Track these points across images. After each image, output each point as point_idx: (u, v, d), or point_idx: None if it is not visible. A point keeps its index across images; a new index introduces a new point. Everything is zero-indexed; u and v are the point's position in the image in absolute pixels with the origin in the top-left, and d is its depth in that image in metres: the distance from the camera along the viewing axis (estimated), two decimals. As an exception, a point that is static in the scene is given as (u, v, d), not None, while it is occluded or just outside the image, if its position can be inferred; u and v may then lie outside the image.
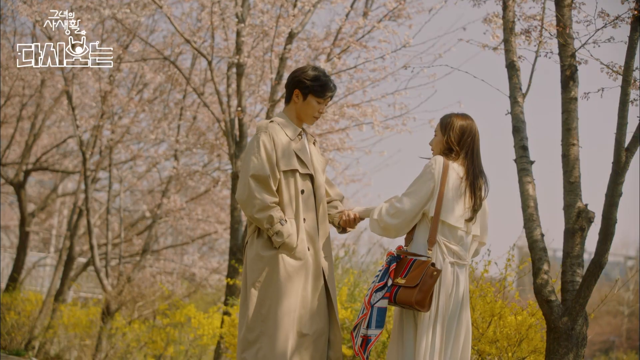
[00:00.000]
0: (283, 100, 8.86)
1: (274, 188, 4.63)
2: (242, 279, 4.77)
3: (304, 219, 4.69)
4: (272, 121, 4.79)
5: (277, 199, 4.61)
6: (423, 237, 4.54)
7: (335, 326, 4.74)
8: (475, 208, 4.62)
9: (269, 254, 4.61)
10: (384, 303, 4.40)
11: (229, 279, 9.06)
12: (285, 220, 4.60)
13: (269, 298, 4.58)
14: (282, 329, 4.51)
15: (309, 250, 4.68)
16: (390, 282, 4.42)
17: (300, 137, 4.80)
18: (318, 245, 4.73)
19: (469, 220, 4.62)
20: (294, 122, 4.82)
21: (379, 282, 4.45)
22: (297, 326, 4.58)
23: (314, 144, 4.95)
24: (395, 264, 4.48)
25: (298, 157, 4.71)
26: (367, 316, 4.42)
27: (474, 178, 4.62)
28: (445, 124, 4.67)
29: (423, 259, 4.45)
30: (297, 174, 4.70)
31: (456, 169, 4.58)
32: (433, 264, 4.43)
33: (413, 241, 4.57)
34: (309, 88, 4.75)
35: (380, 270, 4.51)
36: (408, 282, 4.39)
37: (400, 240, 4.82)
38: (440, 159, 4.56)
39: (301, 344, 4.57)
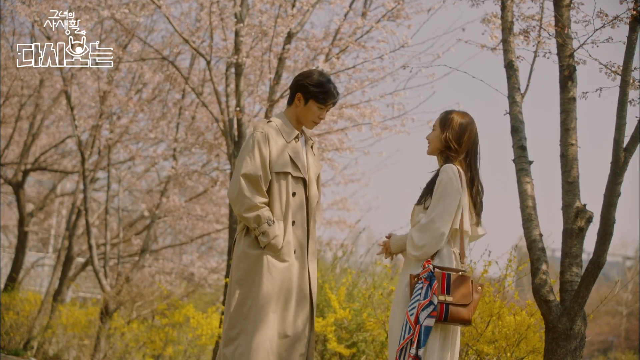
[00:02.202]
0: (281, 101, 8.90)
1: (265, 188, 4.64)
2: (229, 275, 4.81)
3: (293, 222, 4.71)
4: (270, 121, 4.80)
5: (266, 200, 4.64)
6: (447, 248, 4.45)
7: (312, 331, 4.77)
8: (478, 212, 4.61)
9: (255, 253, 4.64)
10: (431, 322, 4.21)
11: (227, 279, 9.05)
12: (273, 221, 4.62)
13: (250, 297, 4.61)
14: (261, 329, 4.54)
15: (295, 252, 4.69)
16: (435, 300, 4.25)
17: (296, 139, 4.81)
18: (306, 248, 4.74)
19: (476, 224, 4.62)
20: (292, 124, 4.83)
21: (423, 299, 4.25)
22: (278, 327, 4.60)
23: (311, 147, 4.96)
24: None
25: (292, 159, 4.72)
26: (417, 336, 4.21)
27: (477, 182, 4.59)
28: (445, 120, 4.60)
29: (460, 273, 4.37)
30: (290, 177, 4.72)
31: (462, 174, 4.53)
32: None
33: (438, 253, 4.43)
34: (311, 93, 4.77)
35: (420, 287, 4.29)
36: (459, 300, 4.29)
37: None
38: (454, 168, 4.46)
39: (281, 345, 4.60)
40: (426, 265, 4.34)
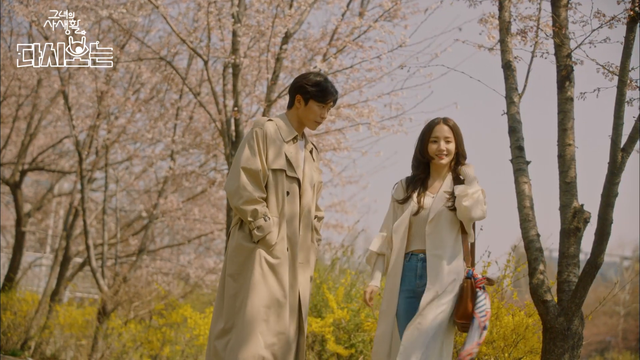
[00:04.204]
0: (279, 101, 8.89)
1: (263, 184, 4.67)
2: (222, 268, 4.82)
3: (286, 220, 4.72)
4: (270, 120, 4.84)
5: (264, 195, 4.69)
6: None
7: (302, 332, 4.78)
8: None
9: (249, 246, 4.67)
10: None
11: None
12: (269, 217, 4.64)
13: (243, 291, 4.64)
14: (252, 324, 4.55)
15: (287, 250, 4.70)
16: None
17: (294, 141, 4.84)
18: (296, 249, 4.76)
19: None
20: (293, 126, 4.89)
21: (489, 309, 4.55)
22: (271, 323, 4.61)
23: (311, 152, 4.98)
24: None
25: (287, 159, 4.75)
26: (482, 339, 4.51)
27: None
28: (458, 129, 4.81)
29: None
30: (284, 175, 4.74)
31: None
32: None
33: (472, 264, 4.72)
34: (309, 93, 4.84)
35: (484, 297, 4.56)
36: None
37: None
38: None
39: (274, 342, 4.61)
40: (478, 276, 4.59)
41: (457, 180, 4.75)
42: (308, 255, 4.86)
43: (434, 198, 4.71)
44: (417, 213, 4.70)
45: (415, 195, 4.75)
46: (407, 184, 4.85)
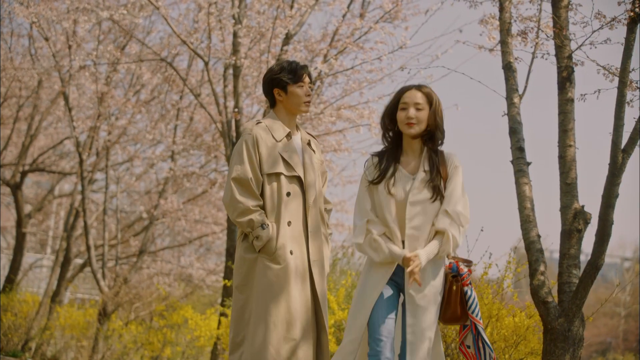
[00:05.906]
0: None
1: (258, 191, 4.62)
2: (232, 281, 4.81)
3: (289, 222, 4.65)
4: (258, 123, 4.78)
5: (260, 202, 4.59)
6: None
7: (323, 330, 4.72)
8: None
9: (250, 257, 4.61)
10: None
11: (225, 280, 9.06)
12: (267, 225, 4.57)
13: (250, 302, 4.60)
14: (262, 334, 4.50)
15: (291, 254, 4.63)
16: None
17: (288, 137, 4.77)
18: (304, 248, 4.69)
19: None
20: (284, 122, 4.79)
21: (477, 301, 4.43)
22: (283, 331, 4.53)
23: (309, 144, 4.89)
24: None
25: (283, 159, 4.69)
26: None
27: None
28: (433, 97, 4.32)
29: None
30: (282, 177, 4.65)
31: None
32: None
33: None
34: (283, 80, 4.74)
35: (472, 293, 4.32)
36: None
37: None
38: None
39: (288, 349, 4.53)
40: (464, 270, 4.30)
41: (433, 159, 4.28)
42: (321, 251, 4.76)
43: (413, 179, 4.27)
44: (394, 195, 4.27)
45: (390, 175, 4.29)
46: (379, 161, 4.37)
